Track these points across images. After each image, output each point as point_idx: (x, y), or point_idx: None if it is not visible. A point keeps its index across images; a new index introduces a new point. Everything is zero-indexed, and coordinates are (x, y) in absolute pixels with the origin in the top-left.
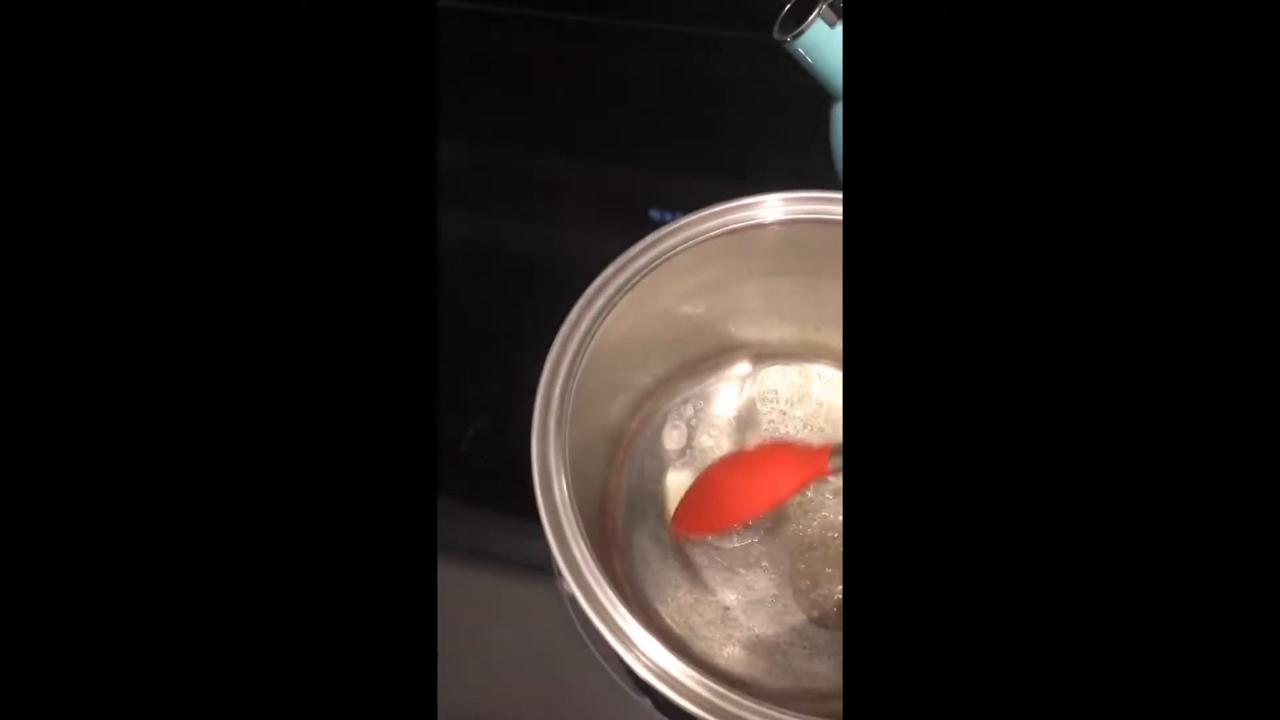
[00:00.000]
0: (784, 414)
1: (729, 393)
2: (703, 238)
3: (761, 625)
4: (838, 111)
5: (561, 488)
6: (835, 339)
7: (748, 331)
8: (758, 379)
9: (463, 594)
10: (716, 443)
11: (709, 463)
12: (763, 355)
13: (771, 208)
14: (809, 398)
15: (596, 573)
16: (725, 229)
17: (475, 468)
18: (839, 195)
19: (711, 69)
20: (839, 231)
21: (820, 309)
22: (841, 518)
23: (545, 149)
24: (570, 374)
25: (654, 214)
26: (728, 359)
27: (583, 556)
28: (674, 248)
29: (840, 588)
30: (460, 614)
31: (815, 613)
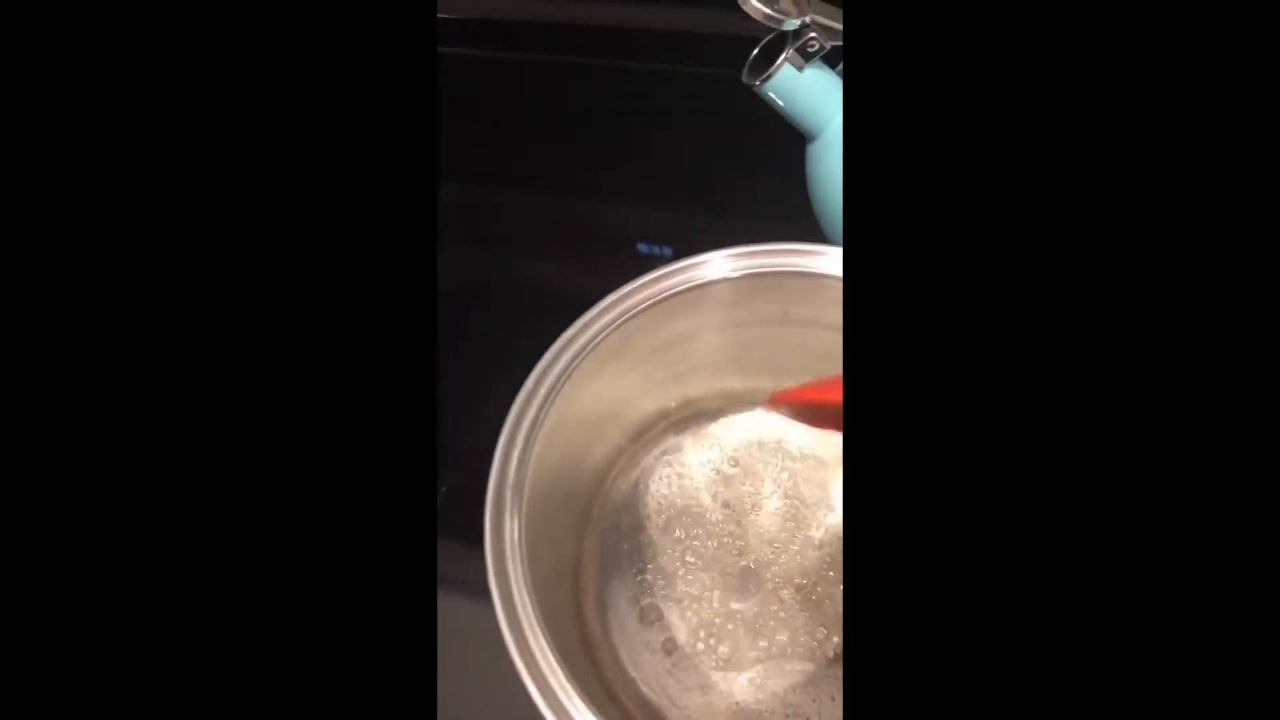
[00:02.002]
0: (763, 462)
1: (704, 445)
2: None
3: (743, 692)
4: (811, 150)
5: (518, 572)
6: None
7: (712, 384)
8: (733, 428)
9: None
10: (694, 498)
11: (686, 519)
12: (729, 406)
13: (716, 266)
14: (783, 445)
15: (551, 661)
16: (682, 288)
17: (446, 527)
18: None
19: (692, 105)
20: (799, 281)
21: (781, 358)
22: (809, 579)
23: (531, 187)
24: (527, 444)
25: (642, 248)
26: (696, 412)
27: (539, 647)
28: (632, 308)
29: (833, 642)
30: None
31: (801, 678)
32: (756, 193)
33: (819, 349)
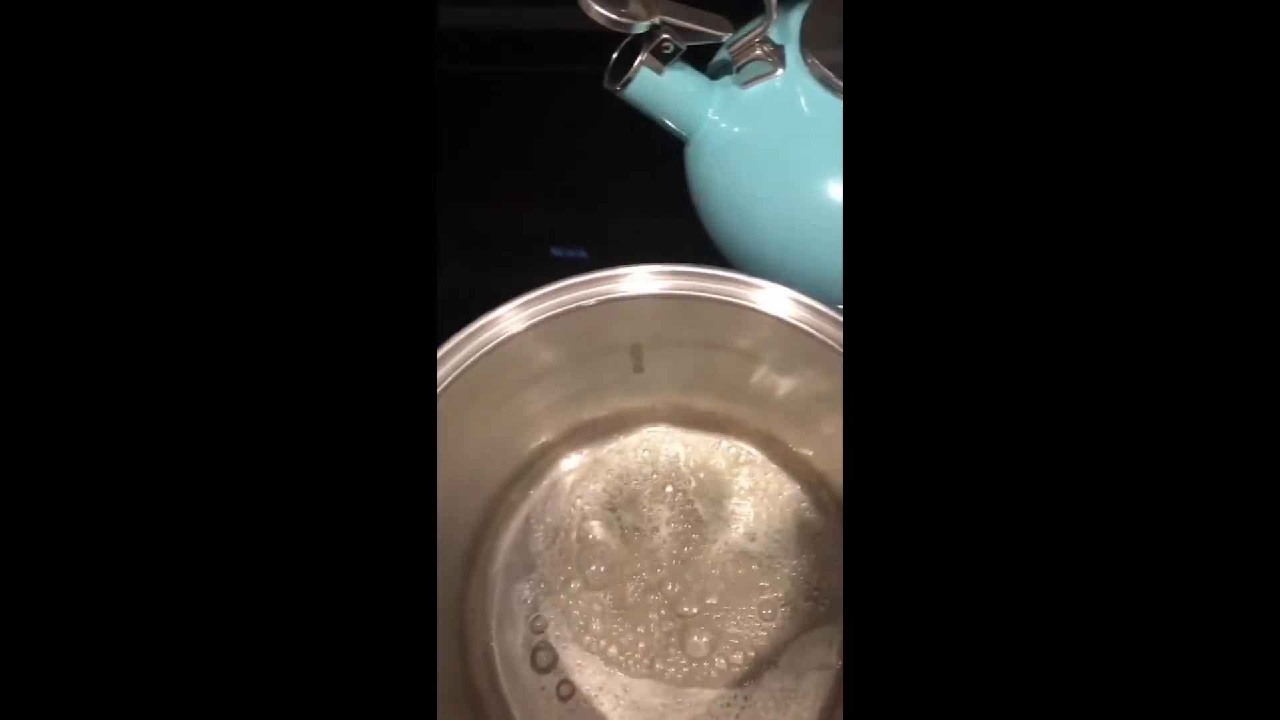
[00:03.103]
0: (655, 483)
1: (596, 470)
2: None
3: None
4: (687, 153)
5: None
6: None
7: (606, 405)
8: (624, 450)
9: None
10: (580, 536)
11: (582, 550)
12: (620, 428)
13: (638, 280)
14: (676, 464)
15: None
16: (567, 308)
17: None
18: (685, 268)
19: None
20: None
21: (679, 375)
22: (711, 600)
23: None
24: None
25: (556, 252)
26: (588, 436)
27: None
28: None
29: (735, 662)
30: None
31: (708, 706)
32: (670, 193)
33: (724, 370)
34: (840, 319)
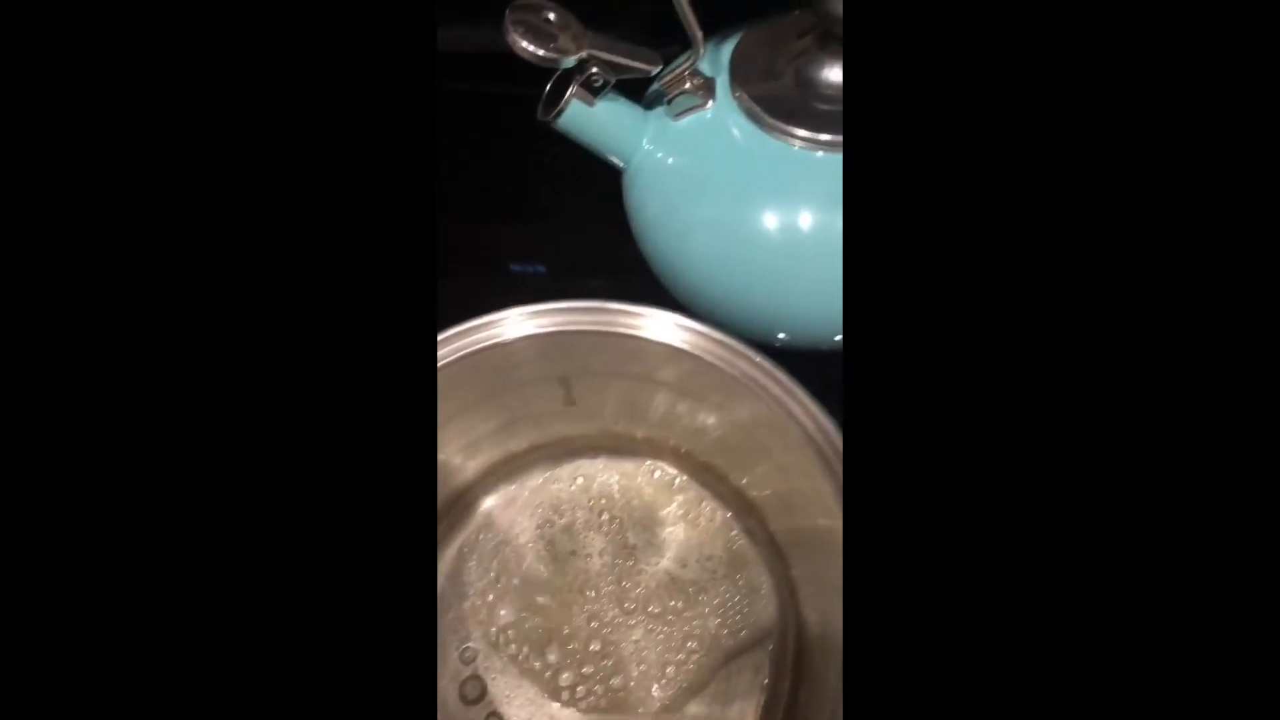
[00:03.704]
0: (588, 510)
1: (525, 500)
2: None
3: None
4: (624, 181)
5: None
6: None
7: (534, 435)
8: (557, 479)
9: None
10: (514, 566)
11: (514, 579)
12: (550, 458)
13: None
14: (608, 491)
15: None
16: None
17: None
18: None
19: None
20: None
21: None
22: (642, 626)
23: None
24: None
25: (514, 268)
26: (516, 467)
27: None
28: None
29: (660, 688)
30: None
31: None
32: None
33: (650, 400)
34: (737, 345)
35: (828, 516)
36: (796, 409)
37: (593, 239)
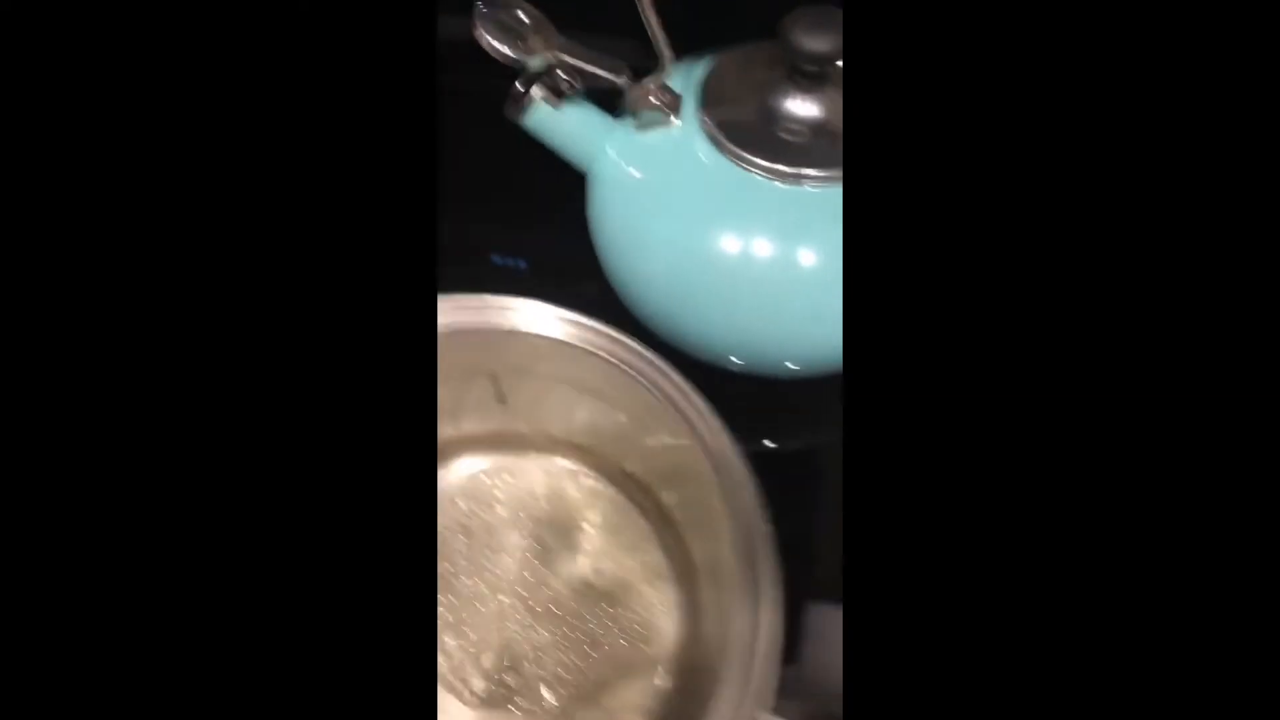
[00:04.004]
0: (506, 507)
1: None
2: None
3: None
4: (588, 185)
5: None
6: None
7: (453, 434)
8: (476, 476)
9: None
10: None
11: None
12: (470, 455)
13: None
14: (530, 489)
15: None
16: None
17: None
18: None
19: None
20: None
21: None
22: (557, 632)
23: None
24: None
25: (495, 259)
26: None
27: None
28: None
29: (562, 695)
30: None
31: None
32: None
33: (573, 402)
34: (630, 341)
35: (731, 548)
36: (710, 440)
37: (577, 234)
